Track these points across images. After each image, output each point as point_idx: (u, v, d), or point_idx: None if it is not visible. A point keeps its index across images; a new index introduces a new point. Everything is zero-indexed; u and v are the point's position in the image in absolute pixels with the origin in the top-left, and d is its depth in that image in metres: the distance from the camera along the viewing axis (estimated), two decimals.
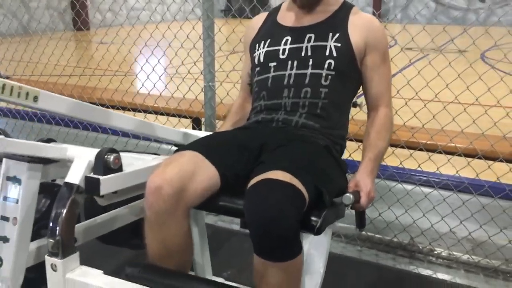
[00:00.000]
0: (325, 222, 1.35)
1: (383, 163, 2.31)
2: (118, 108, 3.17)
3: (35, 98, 1.30)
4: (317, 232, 1.31)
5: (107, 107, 3.28)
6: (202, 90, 2.69)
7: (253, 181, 1.25)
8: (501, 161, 2.23)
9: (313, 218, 1.31)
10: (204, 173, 1.37)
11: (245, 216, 1.22)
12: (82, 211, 2.01)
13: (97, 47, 6.60)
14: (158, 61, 3.18)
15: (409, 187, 2.45)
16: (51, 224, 1.37)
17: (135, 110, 3.14)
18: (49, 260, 1.37)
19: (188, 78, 3.07)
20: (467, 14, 13.89)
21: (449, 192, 2.35)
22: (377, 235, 2.45)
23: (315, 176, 1.31)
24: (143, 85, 3.21)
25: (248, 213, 1.20)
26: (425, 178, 2.51)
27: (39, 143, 1.49)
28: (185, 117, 3.00)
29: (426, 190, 2.39)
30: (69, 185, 1.42)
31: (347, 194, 1.39)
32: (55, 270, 1.37)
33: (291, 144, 1.46)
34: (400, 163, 2.51)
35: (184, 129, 1.92)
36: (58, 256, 1.36)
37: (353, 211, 1.52)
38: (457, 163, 2.35)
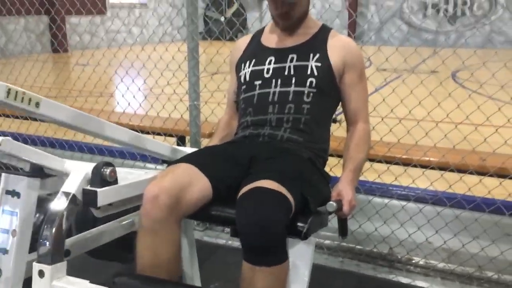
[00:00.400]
0: (312, 227, 1.45)
1: (362, 178, 2.45)
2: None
3: (37, 104, 1.36)
4: (304, 236, 1.40)
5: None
6: (187, 109, 2.78)
7: (243, 190, 1.35)
8: (471, 173, 2.36)
9: (300, 224, 1.41)
10: (197, 184, 1.46)
11: (236, 222, 1.31)
12: (73, 225, 2.07)
13: (83, 68, 6.63)
14: (144, 81, 3.27)
15: (386, 200, 2.56)
16: (43, 231, 1.41)
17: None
18: (37, 267, 1.38)
19: (174, 98, 3.17)
20: (438, 36, 14.38)
21: (424, 204, 2.47)
22: (357, 246, 2.55)
23: (301, 185, 1.41)
24: (129, 104, 3.28)
25: (239, 219, 1.29)
26: (401, 191, 2.64)
27: (39, 150, 1.55)
28: (170, 135, 3.08)
29: (403, 202, 2.51)
30: (65, 194, 1.47)
31: (331, 202, 1.49)
32: (41, 277, 1.38)
33: (277, 157, 1.56)
34: (378, 177, 2.63)
35: (172, 146, 2.01)
36: (46, 262, 1.38)
37: (336, 224, 1.63)
38: (431, 176, 2.48)
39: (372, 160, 2.52)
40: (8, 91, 1.29)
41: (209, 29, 14.75)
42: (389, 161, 2.57)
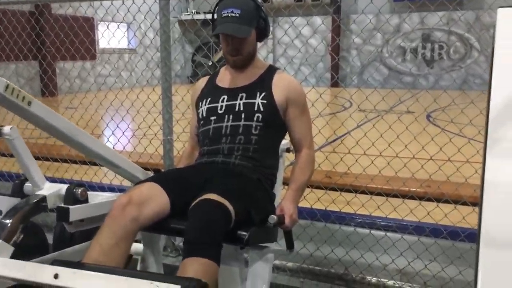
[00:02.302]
0: (254, 237, 1.69)
1: (335, 208, 2.71)
2: (85, 163, 3.47)
3: (29, 103, 1.61)
4: (246, 243, 1.64)
5: (75, 162, 3.58)
6: (161, 143, 3.04)
7: (194, 202, 1.60)
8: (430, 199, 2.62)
9: (242, 233, 1.65)
10: (158, 199, 1.70)
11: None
12: (50, 245, 2.28)
13: (64, 112, 6.89)
14: (122, 119, 3.53)
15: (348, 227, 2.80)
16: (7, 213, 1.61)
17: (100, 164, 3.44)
18: None
19: (149, 134, 3.43)
20: (417, 78, 14.95)
21: (382, 232, 2.71)
22: (317, 267, 2.76)
23: (244, 199, 1.67)
24: (108, 140, 3.54)
25: (186, 225, 1.53)
26: (360, 220, 2.88)
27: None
28: (147, 168, 3.32)
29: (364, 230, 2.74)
30: (36, 196, 1.69)
31: (272, 215, 1.74)
32: None
33: (228, 177, 1.82)
34: (346, 204, 2.88)
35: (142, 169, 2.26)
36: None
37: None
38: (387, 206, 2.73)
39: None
40: (7, 86, 1.54)
41: (196, 73, 15.26)
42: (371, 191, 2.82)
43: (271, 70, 2.09)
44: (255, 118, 1.96)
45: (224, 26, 1.91)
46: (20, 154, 1.81)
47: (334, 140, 5.21)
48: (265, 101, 1.98)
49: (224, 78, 2.11)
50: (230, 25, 1.90)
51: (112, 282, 1.25)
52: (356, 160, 2.88)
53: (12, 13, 4.35)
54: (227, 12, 1.90)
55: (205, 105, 2.06)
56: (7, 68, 12.47)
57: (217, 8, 1.97)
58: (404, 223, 2.71)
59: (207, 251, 1.48)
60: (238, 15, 1.89)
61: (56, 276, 1.30)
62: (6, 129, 1.80)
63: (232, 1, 1.93)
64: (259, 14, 1.97)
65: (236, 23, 1.90)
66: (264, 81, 2.03)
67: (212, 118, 2.02)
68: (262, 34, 2.02)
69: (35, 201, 1.70)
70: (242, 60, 2.03)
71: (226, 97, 2.03)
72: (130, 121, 3.80)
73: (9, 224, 1.57)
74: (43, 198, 1.73)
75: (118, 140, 3.48)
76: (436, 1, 2.80)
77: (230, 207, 1.58)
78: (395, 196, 2.80)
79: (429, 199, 2.64)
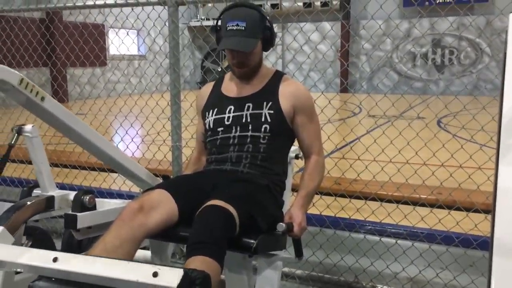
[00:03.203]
0: (262, 245, 1.66)
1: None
2: (94, 169, 3.47)
3: (42, 99, 1.62)
4: (254, 251, 1.62)
5: (84, 168, 3.59)
6: (170, 149, 3.03)
7: (200, 209, 1.59)
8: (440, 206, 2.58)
9: (250, 241, 1.63)
10: (167, 207, 1.69)
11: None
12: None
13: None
14: (131, 125, 3.54)
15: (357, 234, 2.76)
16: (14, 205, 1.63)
17: (110, 170, 3.44)
18: None
19: (157, 140, 3.43)
20: (428, 84, 14.86)
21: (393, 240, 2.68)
22: (326, 275, 2.73)
23: (249, 205, 1.65)
24: (117, 146, 3.53)
25: (192, 229, 1.52)
26: (370, 227, 2.85)
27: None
28: (156, 175, 3.32)
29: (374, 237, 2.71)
30: (43, 196, 1.69)
31: (280, 223, 1.72)
32: None
33: (235, 183, 1.80)
34: (356, 211, 2.85)
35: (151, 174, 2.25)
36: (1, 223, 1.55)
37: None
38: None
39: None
40: (21, 80, 1.56)
41: (205, 79, 15.30)
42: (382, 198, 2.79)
43: (278, 77, 2.07)
44: (262, 129, 1.95)
45: (229, 41, 1.90)
46: (36, 154, 1.84)
47: (344, 146, 5.18)
48: (272, 111, 1.96)
49: (230, 87, 2.10)
50: (235, 39, 1.89)
51: (113, 265, 1.22)
52: (366, 167, 2.86)
53: (23, 21, 4.39)
54: (232, 25, 1.88)
55: (211, 116, 2.05)
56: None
57: (221, 18, 1.95)
58: (415, 230, 2.67)
59: (208, 250, 1.46)
60: (243, 28, 1.88)
61: (55, 260, 1.28)
62: (28, 127, 1.85)
63: (237, 13, 1.91)
64: (264, 24, 1.95)
65: (241, 36, 1.88)
66: (271, 89, 2.02)
67: (219, 129, 2.01)
68: (268, 43, 2.00)
69: (42, 198, 1.71)
70: (248, 71, 2.03)
71: (232, 107, 2.01)
72: (139, 127, 3.80)
73: (13, 215, 1.58)
74: (51, 198, 1.74)
75: (127, 147, 3.48)
76: (446, 6, 2.78)
77: (234, 212, 1.57)
78: (405, 203, 2.77)
79: (440, 207, 2.61)
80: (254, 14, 1.92)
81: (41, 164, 1.80)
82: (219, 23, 1.96)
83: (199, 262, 1.42)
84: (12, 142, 1.93)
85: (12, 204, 1.87)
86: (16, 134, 1.90)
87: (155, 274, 1.14)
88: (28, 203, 1.67)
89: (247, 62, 1.97)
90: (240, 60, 1.96)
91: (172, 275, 1.14)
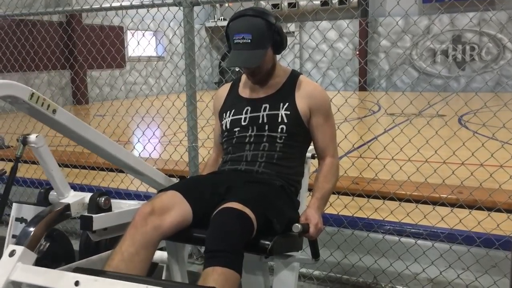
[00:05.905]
0: (277, 246, 1.65)
1: (359, 215, 2.65)
2: (112, 170, 3.50)
3: (54, 111, 1.63)
4: (270, 253, 1.60)
5: (102, 169, 3.61)
6: (186, 150, 3.03)
7: (215, 211, 1.57)
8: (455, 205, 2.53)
9: (266, 242, 1.61)
10: (180, 209, 1.69)
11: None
12: (77, 253, 2.30)
13: (92, 120, 7.01)
14: (148, 126, 3.55)
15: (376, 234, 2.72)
16: (30, 220, 1.61)
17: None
18: (10, 247, 1.51)
19: (174, 141, 3.43)
20: (448, 81, 14.63)
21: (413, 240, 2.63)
22: (344, 276, 2.70)
23: (265, 207, 1.63)
24: (134, 147, 3.56)
25: (207, 233, 1.51)
26: (389, 227, 2.80)
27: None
28: (172, 175, 3.32)
29: (393, 238, 2.66)
30: (60, 205, 1.70)
31: (296, 224, 1.70)
32: (11, 256, 1.49)
33: (250, 185, 1.79)
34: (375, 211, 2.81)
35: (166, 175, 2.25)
36: (21, 243, 1.52)
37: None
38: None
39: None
40: (32, 94, 1.57)
41: (222, 80, 15.32)
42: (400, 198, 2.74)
43: (294, 77, 2.05)
44: (279, 130, 1.94)
45: (236, 57, 1.88)
46: (46, 162, 1.83)
47: (361, 146, 5.12)
48: (288, 112, 1.95)
49: (246, 88, 2.09)
50: (241, 53, 1.87)
51: None
52: (384, 166, 2.81)
53: (42, 24, 4.44)
54: (238, 38, 1.86)
55: (228, 117, 2.04)
56: (37, 77, 12.80)
57: (228, 27, 1.92)
58: (435, 230, 2.62)
59: (227, 260, 1.45)
60: (249, 40, 1.85)
61: (77, 283, 1.30)
62: (32, 137, 1.83)
63: (242, 25, 1.87)
64: (272, 31, 1.90)
65: (249, 49, 1.86)
66: (287, 90, 2.01)
67: (236, 129, 2.01)
68: (279, 47, 1.96)
69: (58, 209, 1.71)
70: (262, 77, 2.01)
71: (249, 108, 2.01)
72: (156, 128, 3.82)
73: (32, 232, 1.58)
74: (67, 206, 1.74)
75: (144, 148, 3.49)
76: (466, 1, 2.71)
77: (252, 215, 1.55)
78: (425, 203, 2.71)
79: (461, 206, 2.55)
80: (259, 23, 1.87)
81: (52, 171, 1.80)
82: (228, 31, 1.92)
83: (217, 275, 1.42)
84: (18, 154, 1.93)
85: (32, 206, 1.89)
86: (22, 145, 1.88)
87: None
88: (46, 215, 1.66)
89: (258, 71, 1.97)
90: (251, 71, 1.97)
91: None
